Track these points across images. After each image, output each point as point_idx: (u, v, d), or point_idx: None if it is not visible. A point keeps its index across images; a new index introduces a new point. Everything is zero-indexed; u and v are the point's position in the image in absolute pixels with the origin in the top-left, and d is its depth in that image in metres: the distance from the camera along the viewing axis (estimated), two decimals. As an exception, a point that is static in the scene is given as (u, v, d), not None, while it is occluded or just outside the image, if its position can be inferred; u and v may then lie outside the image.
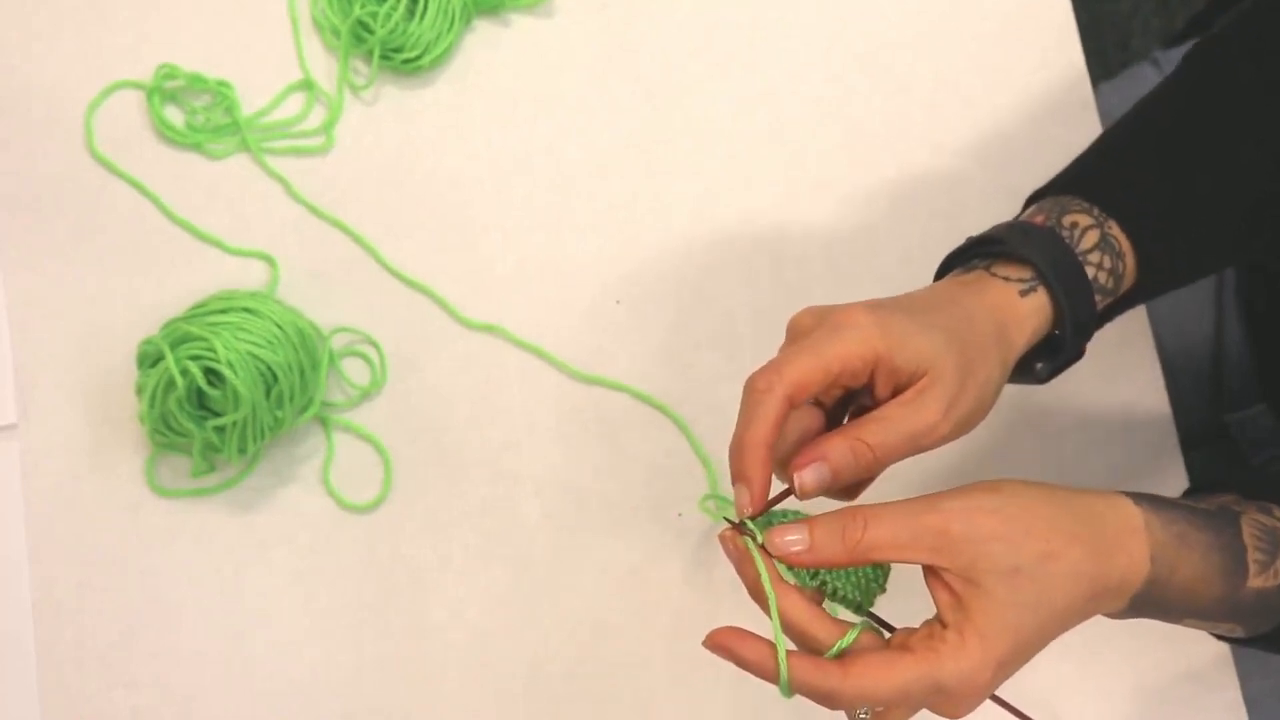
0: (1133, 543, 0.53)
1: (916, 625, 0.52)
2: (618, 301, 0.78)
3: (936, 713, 0.52)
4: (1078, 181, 0.63)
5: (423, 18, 0.79)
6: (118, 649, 0.72)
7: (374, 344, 0.76)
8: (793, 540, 0.52)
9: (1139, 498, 0.55)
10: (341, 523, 0.74)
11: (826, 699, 0.51)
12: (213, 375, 0.68)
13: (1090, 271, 0.59)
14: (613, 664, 0.73)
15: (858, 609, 0.54)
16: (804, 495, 0.53)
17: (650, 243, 0.79)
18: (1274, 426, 0.85)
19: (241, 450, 0.70)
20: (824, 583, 0.54)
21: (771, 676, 0.51)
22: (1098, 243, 0.60)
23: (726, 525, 0.54)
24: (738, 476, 0.53)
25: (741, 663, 0.52)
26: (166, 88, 0.79)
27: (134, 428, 0.74)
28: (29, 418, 0.74)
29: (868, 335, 0.53)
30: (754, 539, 0.53)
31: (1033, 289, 0.58)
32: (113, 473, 0.74)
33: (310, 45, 0.81)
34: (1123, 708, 0.73)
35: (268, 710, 0.71)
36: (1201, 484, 0.61)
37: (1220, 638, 0.60)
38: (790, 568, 0.53)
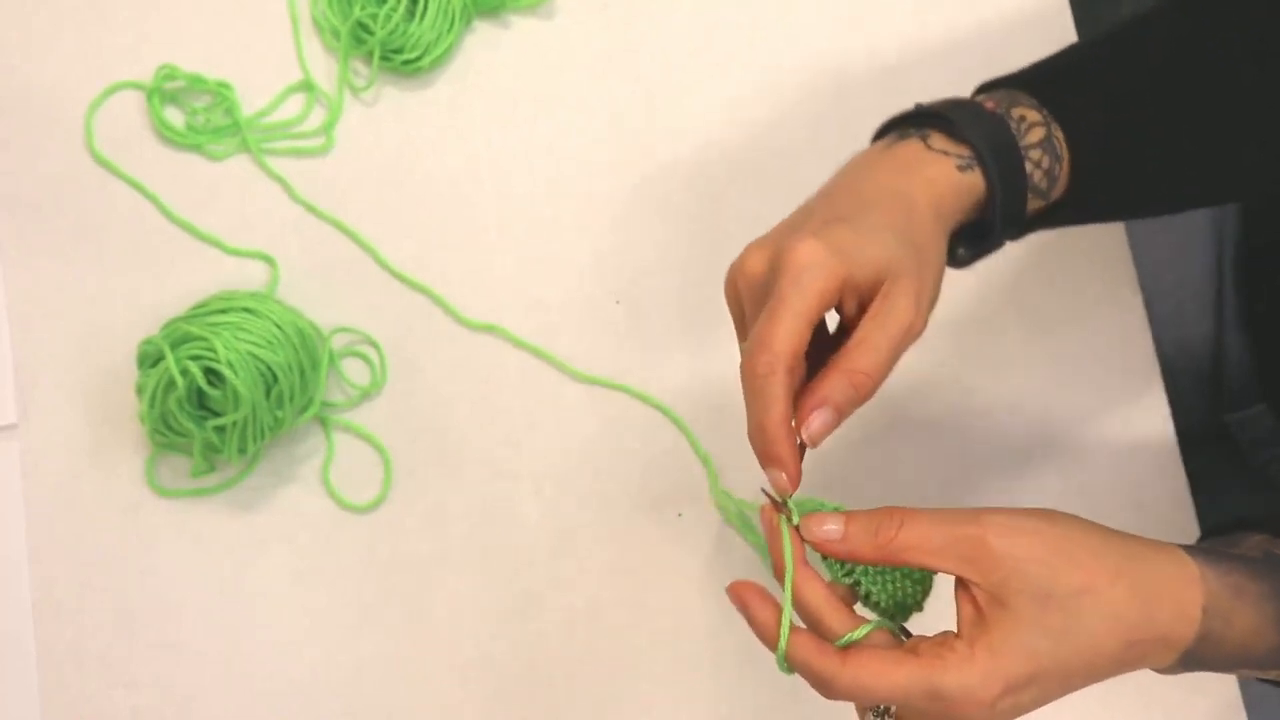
0: (1186, 594, 0.51)
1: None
2: (618, 301, 0.78)
3: None
4: (1036, 83, 0.62)
5: (423, 19, 0.79)
6: (118, 649, 0.72)
7: (374, 344, 0.76)
8: (829, 530, 0.52)
9: (1192, 550, 0.53)
10: (341, 522, 0.74)
11: (821, 684, 0.50)
12: (213, 375, 0.68)
13: (1028, 168, 0.59)
14: (613, 664, 0.73)
15: (890, 619, 0.54)
16: (814, 443, 0.52)
17: (650, 243, 0.79)
18: (1274, 426, 0.85)
19: (241, 450, 0.71)
20: (858, 583, 0.53)
21: (772, 644, 0.51)
22: (1041, 140, 0.59)
23: (764, 503, 0.54)
24: (769, 461, 0.52)
25: (751, 620, 0.52)
26: (166, 88, 0.79)
27: (134, 428, 0.74)
28: (29, 418, 0.74)
29: (830, 268, 0.52)
30: (789, 518, 0.53)
31: (970, 167, 0.57)
32: (113, 473, 0.74)
33: (310, 46, 0.81)
34: (1121, 707, 0.73)
35: (268, 710, 0.71)
36: (1223, 524, 0.59)
37: (1267, 681, 0.59)
38: (826, 562, 0.53)
